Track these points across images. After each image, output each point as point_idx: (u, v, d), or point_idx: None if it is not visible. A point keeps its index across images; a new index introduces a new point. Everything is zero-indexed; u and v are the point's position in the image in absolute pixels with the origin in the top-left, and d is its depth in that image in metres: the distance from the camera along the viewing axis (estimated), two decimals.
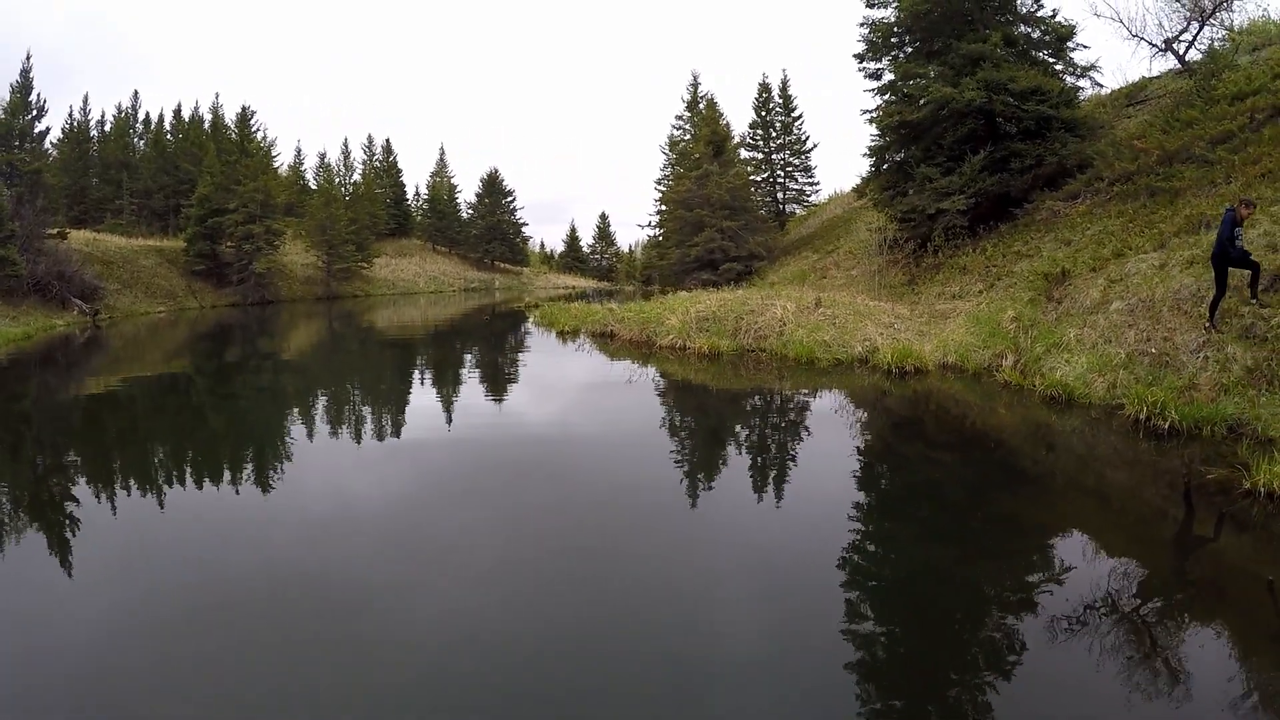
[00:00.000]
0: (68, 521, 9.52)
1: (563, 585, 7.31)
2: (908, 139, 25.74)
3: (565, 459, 12.22)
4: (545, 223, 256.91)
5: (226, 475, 11.63)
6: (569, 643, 6.21)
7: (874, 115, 27.01)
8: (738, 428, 14.03)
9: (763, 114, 50.57)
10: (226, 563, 8.02)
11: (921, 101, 23.96)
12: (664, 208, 51.74)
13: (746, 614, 6.66)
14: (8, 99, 42.00)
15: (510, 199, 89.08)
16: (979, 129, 23.79)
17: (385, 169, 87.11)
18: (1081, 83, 25.55)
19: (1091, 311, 15.01)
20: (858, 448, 12.31)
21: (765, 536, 8.39)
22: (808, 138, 50.08)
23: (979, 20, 24.81)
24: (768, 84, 50.56)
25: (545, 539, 8.58)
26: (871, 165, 28.29)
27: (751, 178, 46.52)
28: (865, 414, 14.51)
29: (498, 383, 19.78)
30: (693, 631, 6.32)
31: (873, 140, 27.53)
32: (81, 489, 11.04)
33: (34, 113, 42.80)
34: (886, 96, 27.05)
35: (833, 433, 13.11)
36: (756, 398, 16.10)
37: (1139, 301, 14.20)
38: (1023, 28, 25.36)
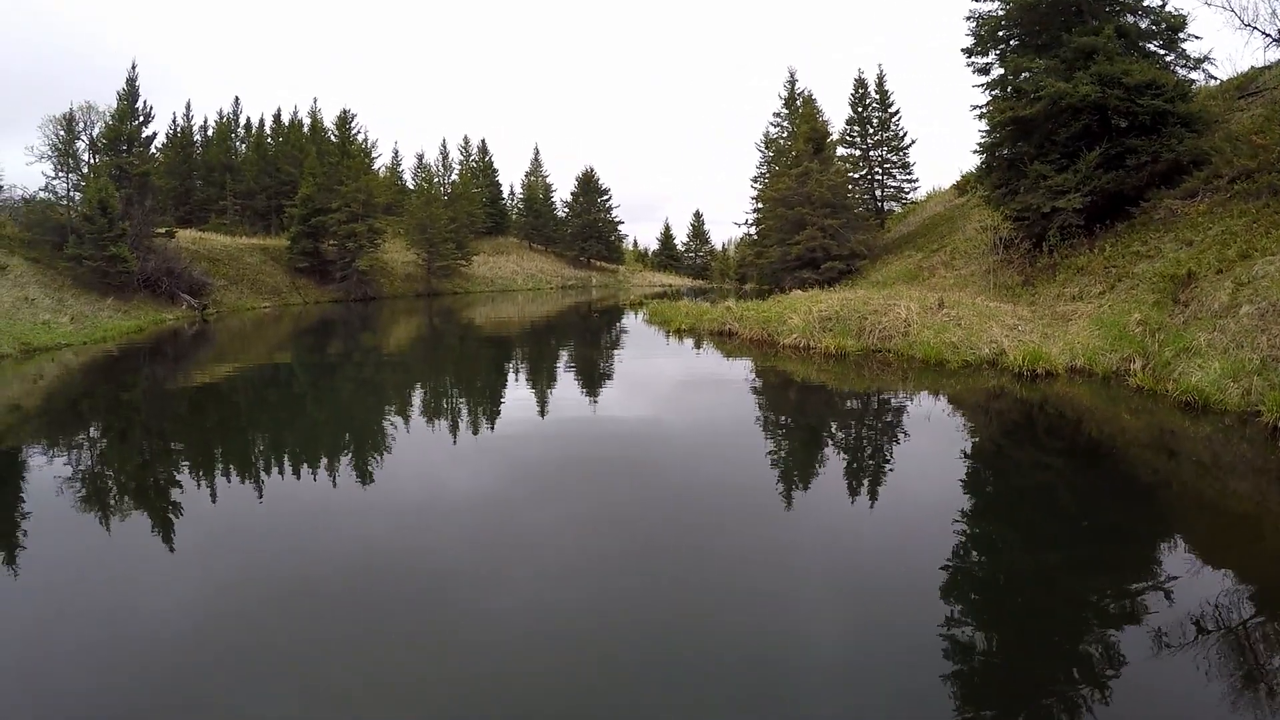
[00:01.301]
0: (168, 506, 10.18)
1: (648, 583, 7.40)
2: (1019, 135, 25.39)
3: (687, 455, 12.51)
4: (639, 221, 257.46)
5: (323, 465, 12.19)
6: (650, 642, 6.28)
7: (984, 111, 26.74)
8: (868, 429, 14.20)
9: (859, 110, 50.46)
10: (317, 550, 8.47)
11: (1035, 96, 23.67)
12: (761, 205, 52.05)
13: (838, 618, 6.67)
14: (116, 106, 44.28)
15: (606, 197, 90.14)
16: (1093, 124, 23.49)
17: (481, 169, 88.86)
18: (1194, 75, 24.94)
19: (1220, 315, 15.09)
20: (988, 452, 12.53)
21: (868, 539, 8.53)
22: (905, 134, 49.78)
23: (1088, 11, 24.54)
24: (864, 79, 50.43)
25: (641, 536, 8.74)
26: (982, 162, 27.97)
27: (849, 175, 46.48)
28: (996, 418, 14.64)
29: (618, 379, 20.32)
30: (781, 633, 6.39)
31: (982, 136, 27.21)
32: (183, 475, 11.72)
33: (140, 119, 45.37)
34: (996, 92, 26.81)
35: (963, 437, 13.28)
36: (885, 399, 16.32)
37: (1270, 306, 14.21)
38: (1131, 18, 24.89)
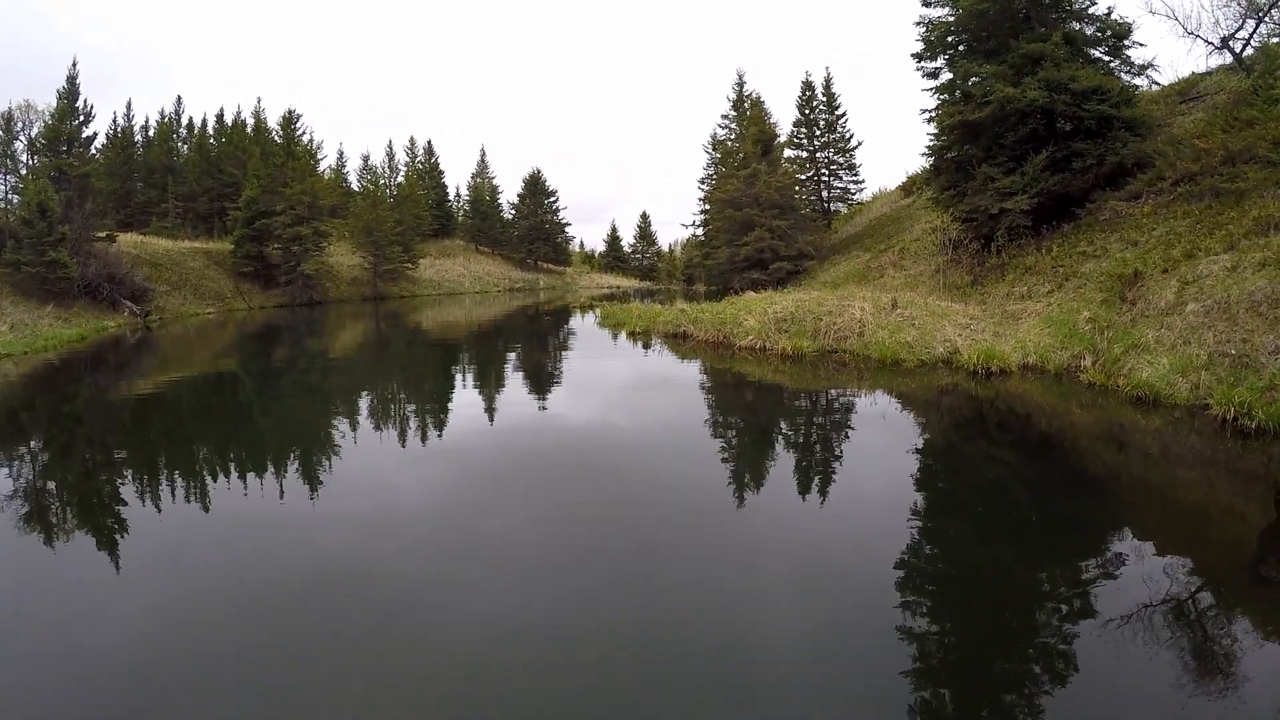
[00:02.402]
0: (114, 519, 9.91)
1: (607, 585, 7.42)
2: (967, 138, 25.85)
3: (646, 457, 12.52)
4: (586, 222, 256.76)
5: (271, 474, 11.99)
6: (613, 642, 6.28)
7: (933, 115, 27.25)
8: (825, 429, 14.24)
9: (806, 112, 50.88)
10: (269, 560, 8.35)
11: (984, 100, 24.13)
12: (709, 207, 52.31)
13: (798, 614, 6.72)
14: (55, 105, 42.93)
15: (553, 199, 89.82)
16: (1040, 128, 23.97)
17: (427, 170, 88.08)
18: (1138, 81, 25.67)
19: (1167, 313, 15.59)
20: (944, 448, 12.78)
21: (826, 536, 8.56)
22: (852, 135, 50.33)
23: (1036, 18, 25.06)
24: (811, 82, 50.86)
25: (600, 538, 8.74)
26: (930, 165, 28.43)
27: (797, 176, 46.88)
28: (951, 415, 14.87)
29: (574, 382, 20.30)
30: (742, 631, 6.43)
31: (931, 139, 27.64)
32: (128, 487, 11.47)
33: (81, 118, 43.79)
34: (944, 96, 27.27)
35: (919, 435, 13.54)
36: (842, 398, 16.43)
37: (1214, 303, 14.75)
38: (1077, 25, 25.51)
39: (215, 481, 11.67)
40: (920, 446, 12.66)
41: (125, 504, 10.52)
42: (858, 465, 11.59)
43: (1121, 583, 6.96)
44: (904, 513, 9.07)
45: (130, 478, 12.08)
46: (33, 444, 15.04)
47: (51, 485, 11.83)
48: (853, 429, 13.82)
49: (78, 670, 6.02)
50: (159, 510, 10.26)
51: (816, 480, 10.80)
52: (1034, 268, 22.34)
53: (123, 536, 9.23)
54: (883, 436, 13.04)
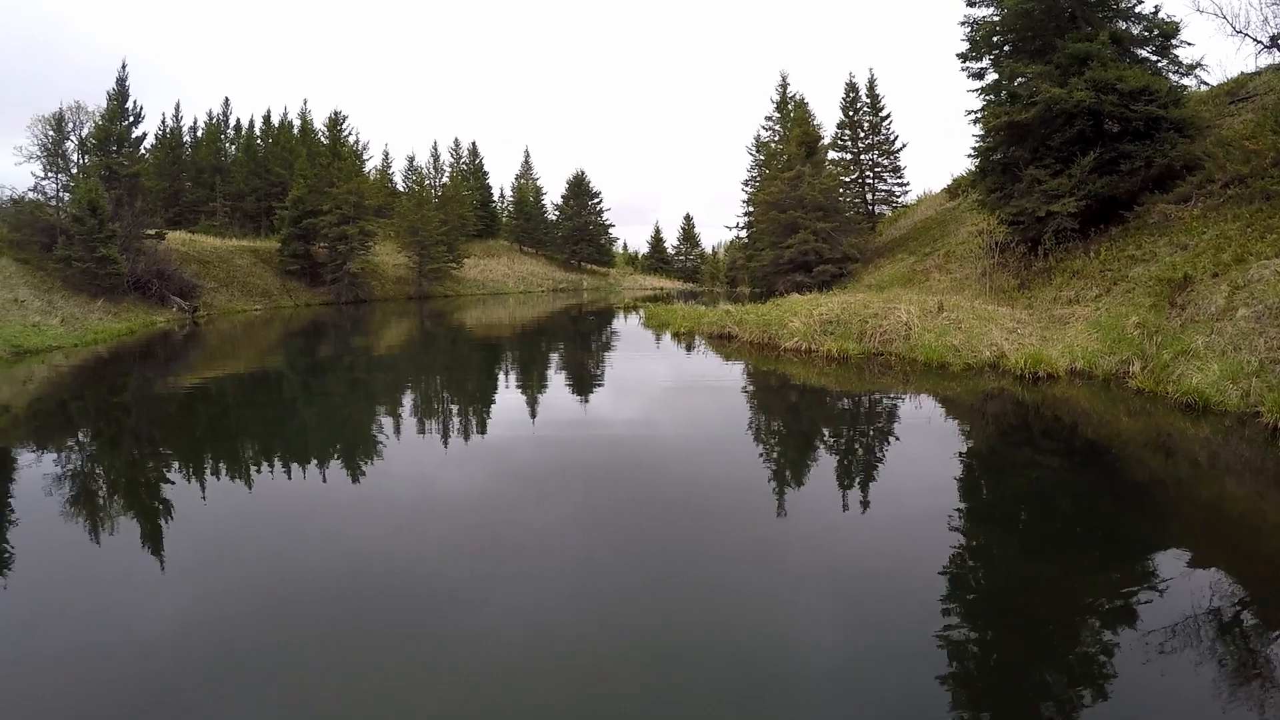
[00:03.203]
0: (155, 511, 10.08)
1: (642, 587, 7.40)
2: (1013, 139, 25.65)
3: (688, 459, 12.46)
4: (630, 224, 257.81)
5: (312, 469, 12.14)
6: (646, 645, 6.26)
7: (979, 116, 27.04)
8: (870, 432, 14.16)
9: (850, 114, 50.82)
10: (305, 555, 8.41)
11: (1030, 101, 23.96)
12: (753, 209, 52.37)
13: (834, 622, 6.65)
14: (105, 106, 43.97)
15: (596, 200, 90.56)
16: (1087, 129, 23.74)
17: (472, 171, 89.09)
18: (1186, 81, 25.30)
19: (1217, 318, 15.43)
20: (989, 454, 12.62)
21: (866, 542, 8.48)
22: (896, 137, 50.20)
23: (1082, 18, 24.85)
24: (855, 83, 50.82)
25: (637, 540, 8.72)
26: (976, 166, 28.26)
27: (841, 179, 46.76)
28: (997, 420, 14.73)
29: (618, 383, 20.32)
30: (776, 637, 6.36)
31: (976, 141, 27.47)
32: (171, 479, 11.65)
33: (130, 119, 44.87)
34: (990, 97, 27.13)
35: (964, 440, 13.45)
36: (888, 402, 16.35)
37: (1266, 309, 14.57)
38: (1124, 24, 25.25)
39: (256, 475, 11.87)
40: (964, 452, 12.61)
41: (166, 496, 10.78)
42: (900, 470, 11.52)
43: (1166, 596, 6.83)
44: (945, 520, 9.00)
45: (173, 470, 12.32)
46: (79, 434, 15.48)
47: (95, 475, 12.10)
48: (896, 433, 13.75)
49: (109, 665, 6.11)
50: (202, 501, 10.50)
51: (857, 485, 10.75)
52: (1081, 271, 22.17)
53: (163, 529, 9.38)
54: (926, 441, 12.94)
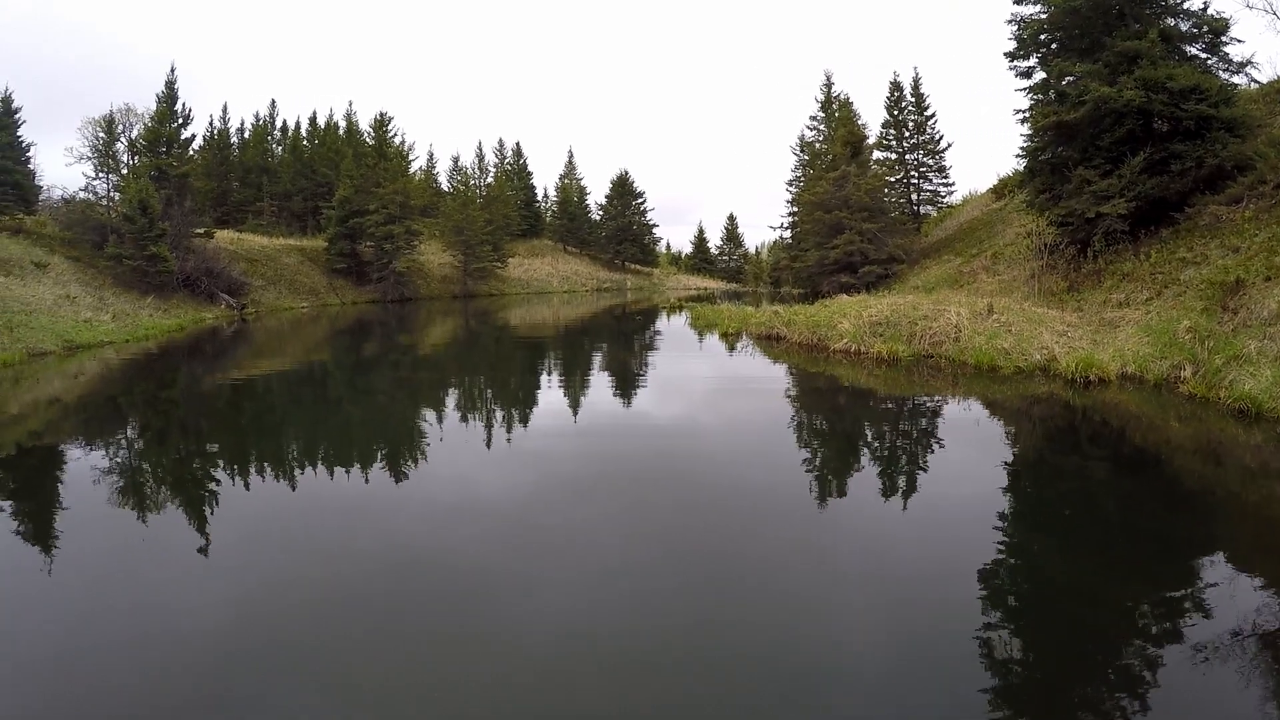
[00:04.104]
0: (204, 503, 10.33)
1: (683, 586, 7.42)
2: (1062, 139, 25.46)
3: (733, 459, 12.53)
4: (673, 223, 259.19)
5: (357, 464, 12.36)
6: (687, 645, 6.28)
7: (1027, 115, 26.88)
8: (918, 435, 14.23)
9: (895, 113, 50.69)
10: (347, 549, 8.51)
11: (1079, 100, 23.77)
12: (797, 209, 52.48)
13: (875, 624, 6.65)
14: (155, 108, 45.35)
15: (640, 200, 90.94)
16: (1136, 129, 23.49)
17: (516, 171, 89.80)
18: (1237, 79, 24.93)
19: (1270, 323, 15.34)
20: (1038, 459, 12.53)
21: (911, 545, 8.45)
22: (941, 137, 49.96)
23: (1130, 14, 24.64)
24: (899, 82, 50.70)
25: (680, 539, 8.78)
26: (1025, 167, 28.09)
27: (886, 179, 46.64)
28: (1046, 424, 14.68)
29: (666, 382, 20.49)
30: (817, 640, 6.38)
31: (1024, 141, 27.29)
32: (219, 472, 11.94)
33: (179, 121, 46.30)
34: (1038, 96, 26.91)
35: (1013, 444, 13.37)
36: (937, 405, 16.38)
37: None
38: (1173, 21, 24.95)
39: (301, 470, 12.21)
40: (1012, 456, 12.59)
41: (212, 489, 11.08)
42: (946, 474, 11.51)
43: (1214, 606, 6.76)
44: (992, 525, 9.01)
45: (219, 464, 12.67)
46: (128, 427, 16.02)
47: (143, 468, 12.51)
48: (944, 437, 13.81)
49: (158, 650, 6.28)
50: (247, 494, 10.81)
51: (902, 488, 10.76)
52: (1132, 274, 22.03)
53: (208, 522, 9.59)
54: (974, 445, 12.96)
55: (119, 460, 12.88)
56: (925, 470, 11.77)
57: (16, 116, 41.66)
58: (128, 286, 38.45)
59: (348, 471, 11.96)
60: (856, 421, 15.53)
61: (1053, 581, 7.68)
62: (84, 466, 12.14)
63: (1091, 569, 7.86)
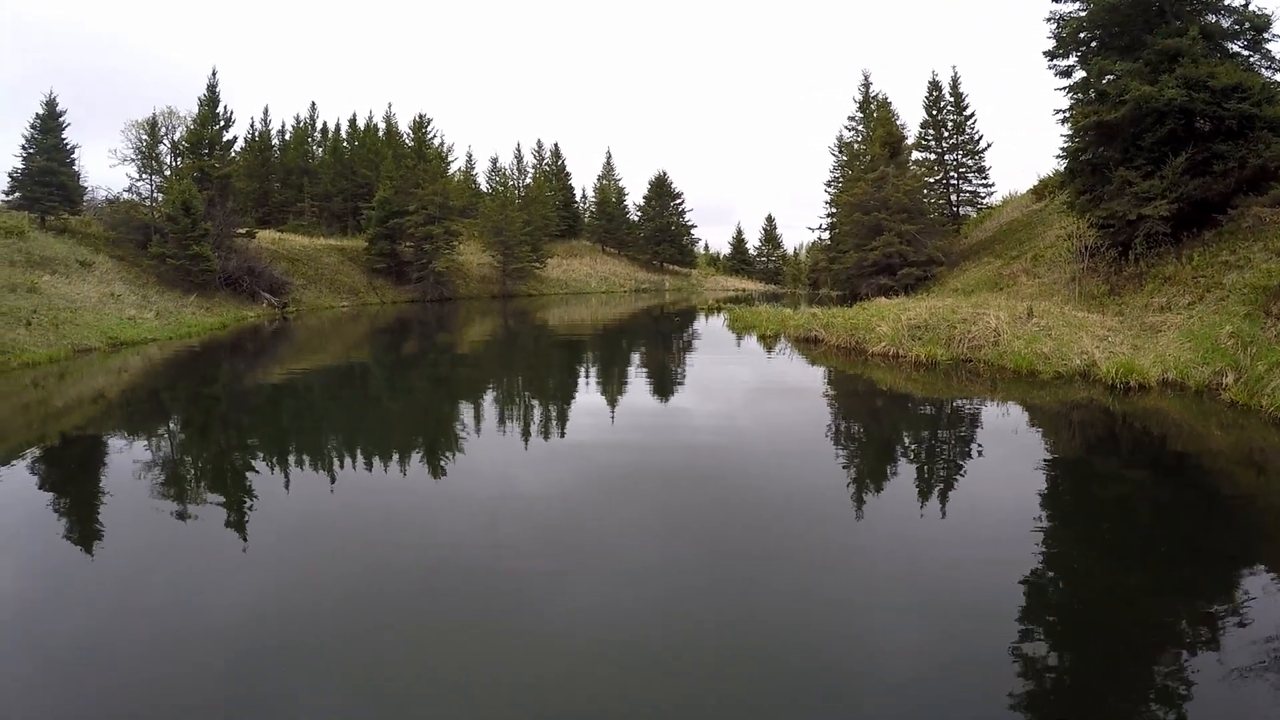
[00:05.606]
0: (243, 499, 10.52)
1: (719, 588, 7.45)
2: (1103, 139, 25.21)
3: (769, 461, 12.57)
4: (711, 224, 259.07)
5: (394, 461, 12.61)
6: (719, 647, 6.31)
7: (1067, 115, 26.71)
8: (955, 440, 14.11)
9: (934, 113, 50.29)
10: (383, 546, 8.62)
11: (1119, 100, 23.54)
12: (836, 210, 52.31)
13: (909, 630, 6.64)
14: (197, 111, 46.78)
15: (678, 201, 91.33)
16: (1178, 129, 23.20)
17: (554, 172, 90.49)
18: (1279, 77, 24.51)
19: None
20: (1076, 466, 12.41)
21: (945, 550, 8.37)
22: (981, 137, 49.55)
23: (1170, 11, 24.40)
24: (938, 82, 50.30)
25: (716, 540, 8.83)
26: (1066, 168, 27.82)
27: (925, 180, 46.36)
28: (1085, 431, 14.63)
29: (704, 384, 20.51)
30: (850, 644, 6.42)
31: (1065, 141, 27.09)
32: (259, 468, 12.26)
33: (221, 123, 47.83)
34: (1078, 95, 26.74)
35: (1052, 450, 13.27)
36: (975, 409, 16.31)
37: None
38: (1213, 18, 24.67)
39: (339, 466, 12.45)
40: (1050, 462, 12.49)
41: (251, 484, 11.35)
42: (984, 480, 11.48)
43: (1252, 620, 6.65)
44: (1028, 531, 8.94)
45: (259, 459, 13.04)
46: (170, 422, 16.50)
47: (182, 462, 12.87)
48: (982, 442, 13.73)
49: (196, 643, 6.40)
50: (285, 490, 11.04)
51: (938, 492, 10.76)
52: (1174, 277, 21.80)
53: (247, 517, 9.79)
54: (1012, 451, 12.88)
55: (160, 454, 13.26)
56: (963, 475, 11.79)
57: (61, 120, 42.60)
58: (171, 285, 39.46)
59: (385, 470, 12.20)
60: (894, 425, 15.58)
61: (1090, 589, 7.65)
62: (125, 460, 12.59)
63: (1129, 578, 7.82)
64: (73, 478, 12.12)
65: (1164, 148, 23.41)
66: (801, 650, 6.26)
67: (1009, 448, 13.16)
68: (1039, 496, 10.58)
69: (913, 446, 13.81)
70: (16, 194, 40.93)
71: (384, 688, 5.75)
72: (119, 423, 16.11)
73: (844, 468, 12.38)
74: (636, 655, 6.21)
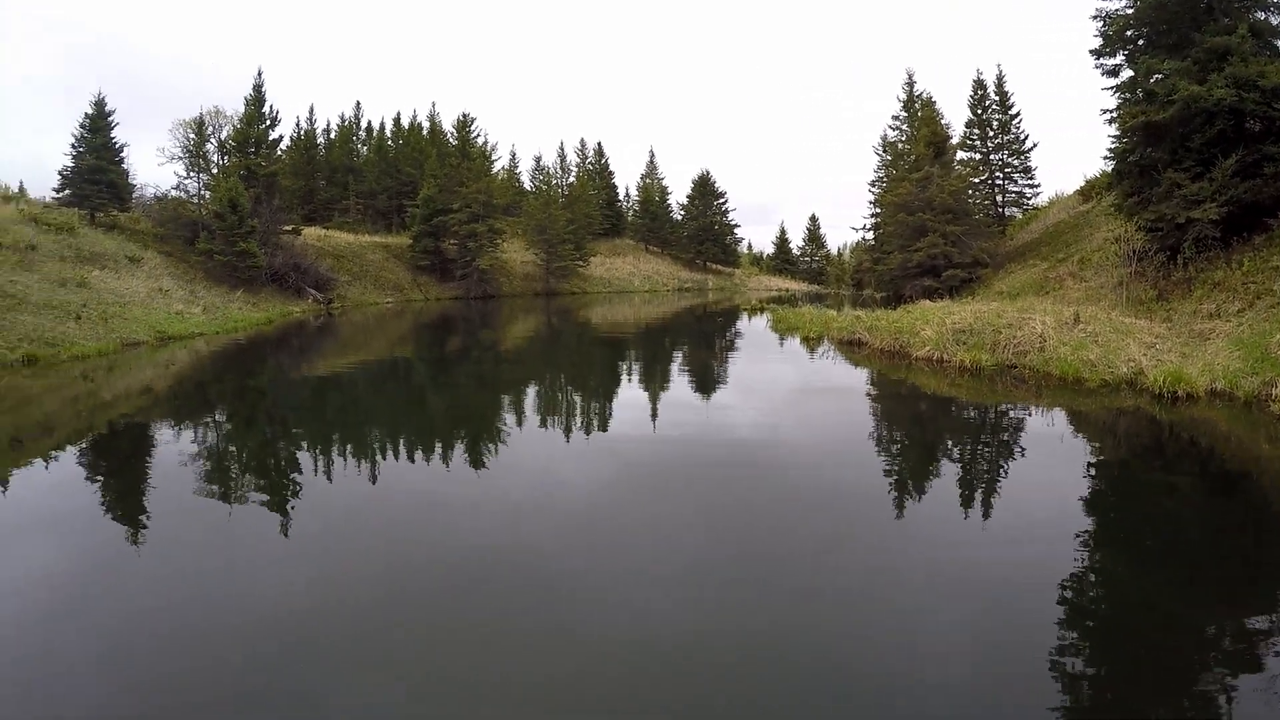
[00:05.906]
0: (285, 492, 10.77)
1: (760, 589, 7.50)
2: (1150, 140, 24.80)
3: (810, 464, 12.59)
4: (755, 224, 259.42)
5: (436, 457, 12.83)
6: (759, 649, 6.33)
7: (1114, 115, 26.37)
8: (998, 447, 14.07)
9: (978, 112, 49.77)
10: (423, 542, 8.74)
11: (1167, 100, 23.14)
12: (880, 210, 52.07)
13: (948, 636, 6.62)
14: (243, 110, 48.02)
15: (722, 200, 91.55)
16: (1228, 129, 22.81)
17: (597, 171, 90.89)
18: None
19: None
20: (1121, 476, 12.28)
21: (985, 559, 8.34)
22: (1026, 137, 48.98)
23: (1219, 9, 24.04)
24: (983, 80, 49.81)
25: (753, 541, 8.88)
26: (1113, 169, 27.43)
27: (970, 180, 45.95)
28: (1131, 440, 14.49)
29: (747, 385, 20.70)
30: (889, 649, 6.39)
31: (1112, 141, 26.75)
32: (302, 462, 12.49)
33: (267, 122, 49.04)
34: (1125, 95, 26.38)
35: (1096, 460, 13.11)
36: (1019, 416, 16.21)
37: None
38: (1263, 15, 24.30)
39: (381, 461, 12.70)
40: (1096, 472, 12.39)
41: (294, 478, 11.58)
42: (1026, 488, 11.44)
43: None
44: (1071, 541, 8.88)
45: (302, 451, 13.35)
46: (215, 414, 16.99)
47: (227, 454, 13.26)
48: (1025, 449, 13.68)
49: (237, 635, 6.51)
50: (328, 484, 11.24)
51: (980, 501, 10.70)
52: (1223, 283, 21.45)
53: (281, 511, 9.97)
54: (1056, 459, 12.78)
55: (204, 447, 13.67)
56: (1006, 482, 11.80)
57: (110, 119, 43.61)
58: (218, 280, 40.43)
59: (428, 465, 12.43)
60: (936, 430, 15.61)
61: (1132, 601, 7.58)
62: (169, 452, 13.01)
63: (1172, 591, 7.79)
64: (117, 469, 12.55)
65: (1213, 149, 23.03)
66: (839, 654, 6.35)
67: (1053, 455, 13.11)
68: (1081, 504, 10.58)
69: (957, 453, 13.79)
70: (67, 191, 42.21)
71: (422, 681, 5.88)
72: (165, 415, 16.61)
73: (884, 471, 12.44)
74: (675, 657, 6.24)
